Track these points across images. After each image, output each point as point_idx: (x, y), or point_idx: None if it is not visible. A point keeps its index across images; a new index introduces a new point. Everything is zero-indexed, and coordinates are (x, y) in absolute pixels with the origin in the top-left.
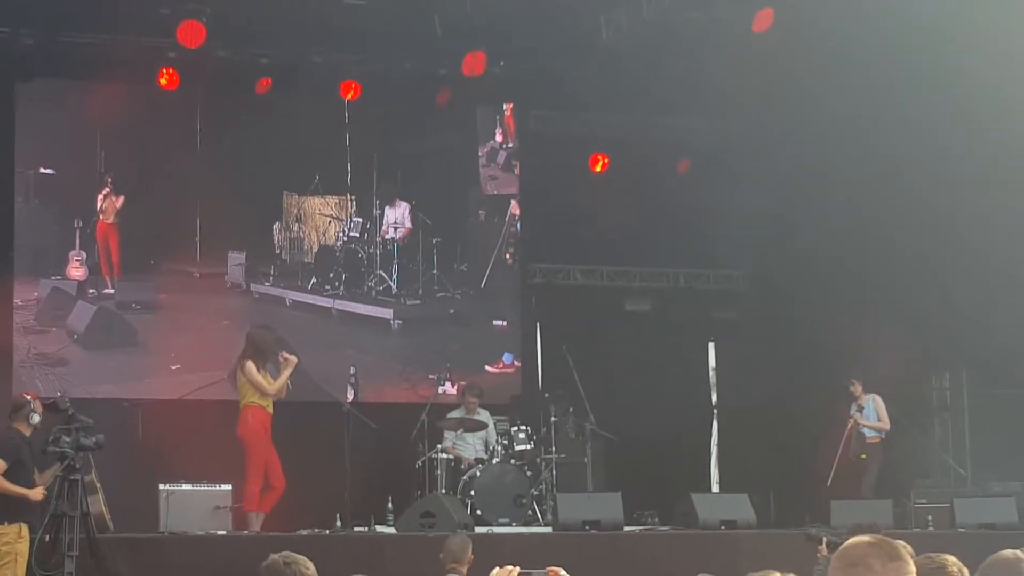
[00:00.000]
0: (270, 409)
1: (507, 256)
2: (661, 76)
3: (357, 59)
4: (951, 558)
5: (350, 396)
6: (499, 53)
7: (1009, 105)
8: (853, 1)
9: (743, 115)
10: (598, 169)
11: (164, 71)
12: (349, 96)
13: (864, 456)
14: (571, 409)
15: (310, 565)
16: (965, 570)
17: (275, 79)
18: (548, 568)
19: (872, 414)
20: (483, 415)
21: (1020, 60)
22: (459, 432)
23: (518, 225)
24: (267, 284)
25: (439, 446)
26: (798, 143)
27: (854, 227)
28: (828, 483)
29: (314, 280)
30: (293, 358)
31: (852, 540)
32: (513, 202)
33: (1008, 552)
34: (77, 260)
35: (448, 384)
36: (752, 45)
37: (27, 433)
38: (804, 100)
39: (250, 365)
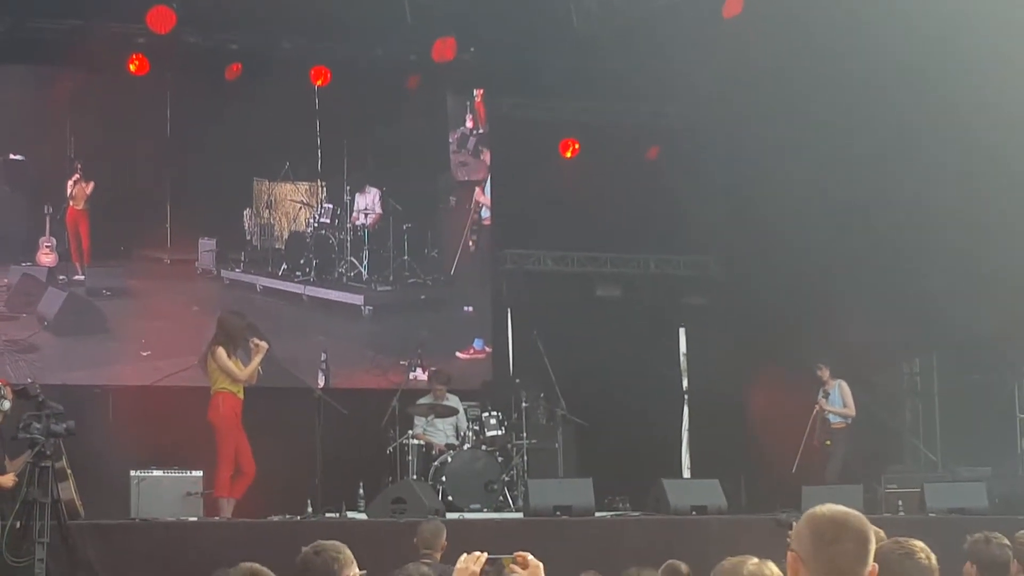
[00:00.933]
0: (241, 395)
1: (471, 243)
2: (631, 62)
3: (327, 45)
4: (919, 543)
5: (321, 382)
6: (469, 39)
7: (980, 88)
8: None
9: (713, 101)
10: (568, 155)
11: (134, 57)
12: (319, 82)
13: (829, 442)
14: (542, 395)
15: (342, 548)
16: (933, 556)
17: (245, 65)
18: (515, 553)
19: (838, 400)
20: (453, 401)
21: (989, 41)
22: (430, 418)
23: (482, 211)
24: (238, 270)
25: (409, 432)
26: (768, 129)
27: (824, 213)
28: (793, 469)
29: (285, 266)
30: (264, 344)
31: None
32: (478, 189)
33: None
34: (47, 246)
35: (419, 370)
36: (722, 31)
37: None
38: (774, 86)
39: (220, 351)
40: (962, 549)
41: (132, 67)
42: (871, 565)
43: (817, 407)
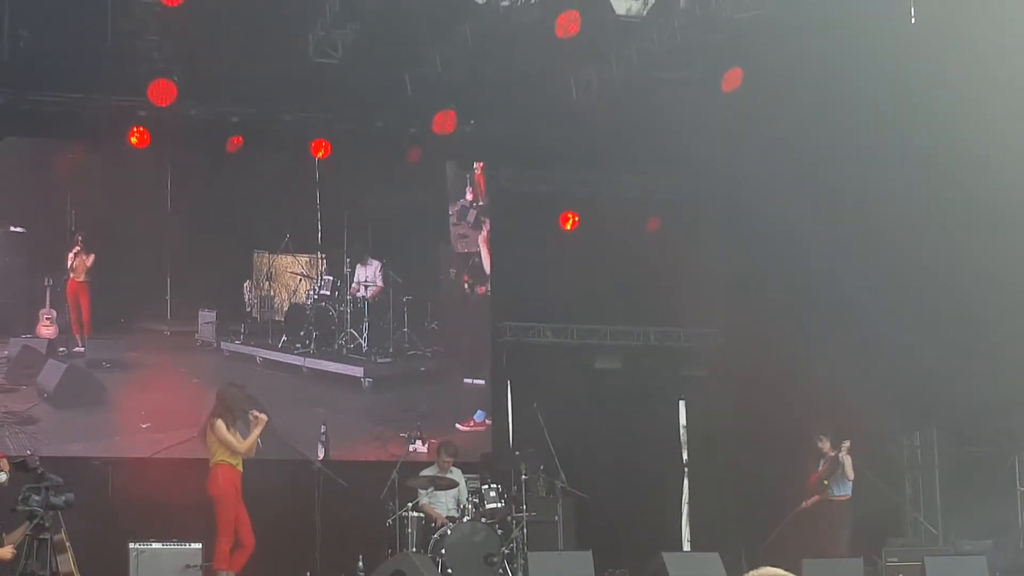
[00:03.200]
0: (240, 467)
1: (464, 282)
2: (631, 135)
3: (328, 118)
4: None
5: (321, 454)
6: (469, 112)
7: (982, 158)
8: (821, 60)
9: (713, 173)
10: (568, 227)
11: (135, 129)
12: (320, 154)
13: (826, 482)
14: (542, 467)
15: None
16: None
17: (246, 137)
18: None
19: (846, 487)
20: (455, 473)
21: (1000, 117)
22: (430, 490)
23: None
24: (237, 342)
25: (409, 504)
26: (768, 201)
27: (824, 285)
28: (766, 543)
29: (285, 338)
30: (263, 416)
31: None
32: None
33: None
34: (47, 318)
35: (419, 442)
36: (722, 103)
37: None
38: (774, 157)
39: (220, 424)
40: None
41: (133, 140)
42: None
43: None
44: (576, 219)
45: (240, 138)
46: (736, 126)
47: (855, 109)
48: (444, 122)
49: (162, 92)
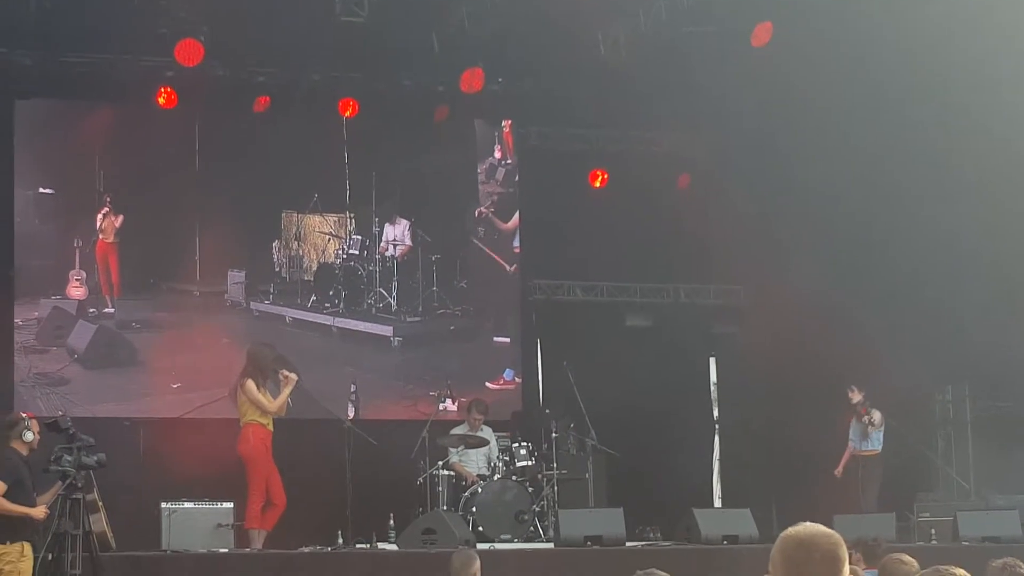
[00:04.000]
0: (270, 427)
1: (509, 269)
2: (660, 91)
3: (355, 76)
4: (960, 571)
5: (351, 413)
6: (497, 69)
7: (1013, 117)
8: (852, 14)
9: (743, 129)
10: (597, 185)
11: (162, 90)
12: (347, 113)
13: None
14: (572, 425)
15: None
16: None
17: (273, 97)
18: None
19: (875, 442)
20: (485, 432)
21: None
22: (461, 449)
23: (513, 241)
24: (267, 302)
25: (440, 462)
26: (798, 157)
27: (855, 241)
28: (837, 472)
29: (314, 298)
30: (293, 376)
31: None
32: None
33: None
34: (77, 279)
35: (449, 401)
36: (751, 58)
37: (24, 452)
38: (804, 113)
39: (250, 383)
40: None
41: (160, 100)
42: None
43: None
44: (606, 176)
45: (267, 98)
46: (766, 81)
47: (886, 64)
48: (472, 80)
49: (189, 52)
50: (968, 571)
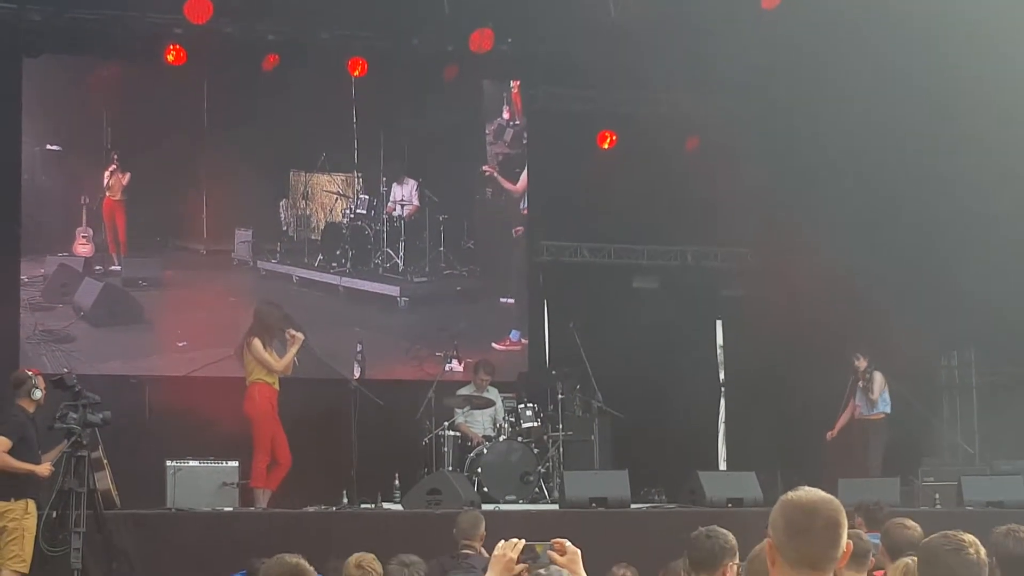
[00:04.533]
0: (276, 386)
1: (514, 232)
2: (669, 53)
3: (365, 36)
4: (969, 537)
5: (356, 373)
6: (506, 30)
7: (1021, 84)
8: None
9: (752, 92)
10: (606, 146)
11: (171, 47)
12: (356, 73)
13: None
14: (578, 387)
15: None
16: (982, 550)
17: (282, 56)
18: (553, 540)
19: (881, 406)
20: (491, 392)
21: None
22: (466, 409)
23: (521, 202)
24: (274, 261)
25: (446, 423)
26: (807, 120)
27: (862, 204)
28: (830, 435)
29: (321, 257)
30: (299, 335)
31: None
32: (518, 179)
33: None
34: (84, 237)
35: (455, 362)
36: (761, 21)
37: (30, 409)
38: (813, 77)
39: (256, 342)
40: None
41: (169, 58)
42: (843, 548)
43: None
44: (614, 138)
45: (276, 56)
46: (775, 44)
47: (896, 27)
48: (481, 40)
49: (199, 9)
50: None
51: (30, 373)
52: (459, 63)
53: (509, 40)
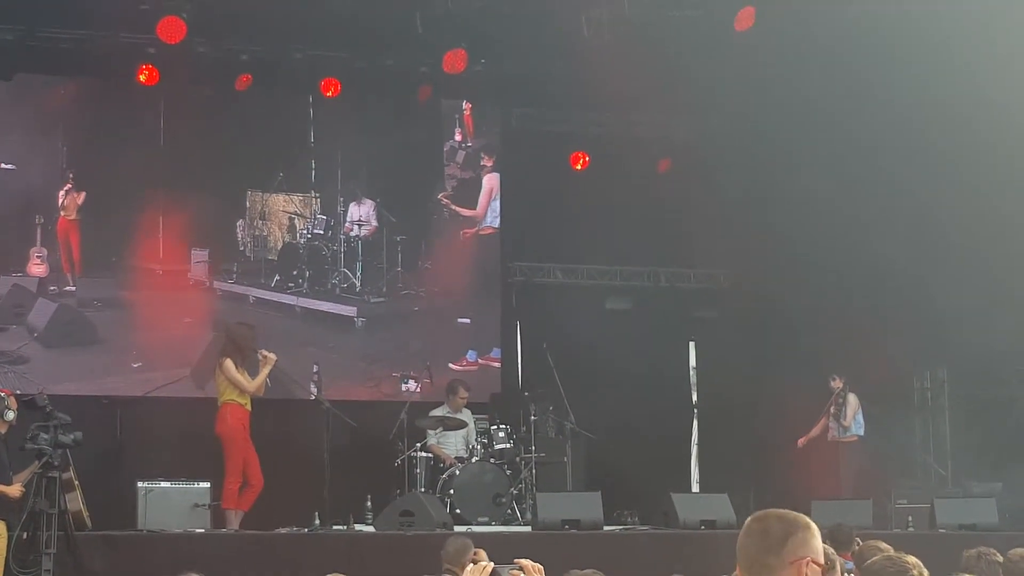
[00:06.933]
0: (248, 407)
1: (467, 255)
2: (642, 74)
3: (337, 56)
4: (911, 559)
5: (313, 394)
6: (480, 51)
7: (995, 104)
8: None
9: (725, 113)
10: (579, 167)
11: (143, 68)
12: (330, 93)
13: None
14: (551, 408)
15: None
16: (925, 572)
17: (253, 76)
18: (515, 559)
19: (854, 429)
20: (464, 414)
21: (1007, 58)
22: (439, 430)
23: (483, 222)
24: (230, 281)
25: (418, 444)
26: (780, 142)
27: (836, 226)
28: (800, 442)
29: (278, 277)
30: (272, 356)
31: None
32: (480, 199)
33: None
34: (38, 257)
35: (412, 382)
36: (734, 44)
37: (2, 430)
38: (786, 98)
39: (228, 363)
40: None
41: (142, 78)
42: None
43: (823, 423)
44: (587, 159)
45: (249, 76)
46: (748, 66)
47: (868, 49)
48: (454, 61)
49: (172, 29)
50: (946, 559)
51: (3, 394)
52: (432, 84)
53: (483, 61)
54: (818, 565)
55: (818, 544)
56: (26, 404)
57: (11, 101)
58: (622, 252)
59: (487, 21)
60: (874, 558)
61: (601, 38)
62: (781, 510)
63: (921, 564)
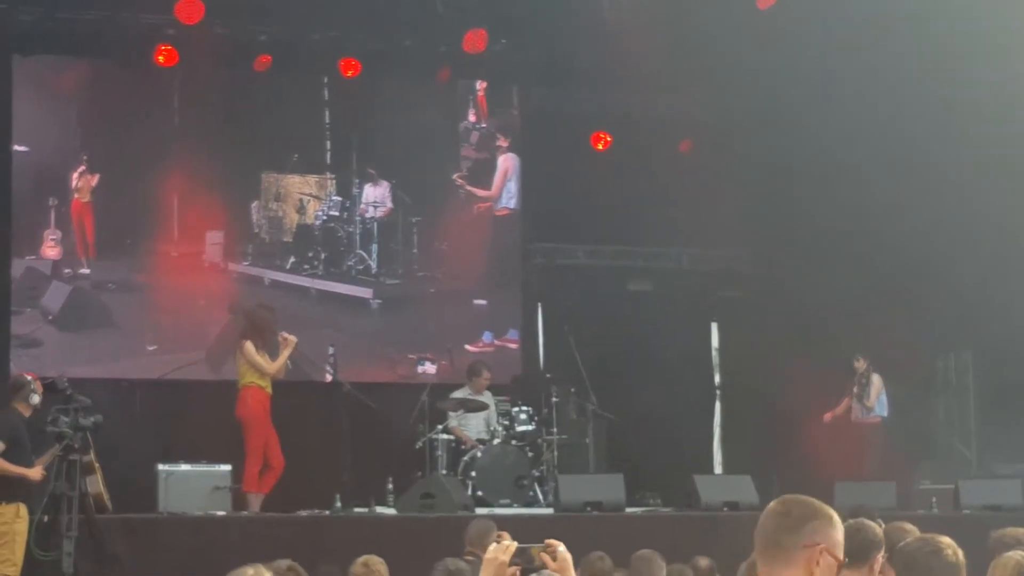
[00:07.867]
0: (269, 389)
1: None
2: (664, 53)
3: (356, 37)
4: (946, 539)
5: (329, 376)
6: (500, 31)
7: (1019, 82)
8: None
9: (747, 93)
10: (600, 148)
11: (162, 48)
12: (349, 74)
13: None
14: (573, 390)
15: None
16: (960, 552)
17: (272, 57)
18: (546, 541)
19: (878, 410)
20: (485, 396)
21: None
22: (460, 413)
23: (499, 203)
24: (245, 263)
25: (440, 426)
26: (802, 121)
27: (859, 206)
28: (826, 418)
29: (293, 259)
30: (292, 338)
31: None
32: (496, 179)
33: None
34: (52, 239)
35: (427, 364)
36: (757, 21)
37: (27, 413)
38: (810, 77)
39: (249, 345)
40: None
41: (160, 59)
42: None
43: (847, 402)
44: (608, 139)
45: (269, 57)
46: (771, 44)
47: (892, 24)
48: (475, 41)
49: (190, 10)
50: (970, 540)
51: (29, 378)
52: (452, 64)
53: (503, 41)
54: (834, 558)
55: (838, 537)
56: (47, 387)
57: (24, 82)
58: (644, 233)
59: (507, 1)
60: (907, 540)
61: (622, 17)
62: (807, 497)
63: (955, 544)
